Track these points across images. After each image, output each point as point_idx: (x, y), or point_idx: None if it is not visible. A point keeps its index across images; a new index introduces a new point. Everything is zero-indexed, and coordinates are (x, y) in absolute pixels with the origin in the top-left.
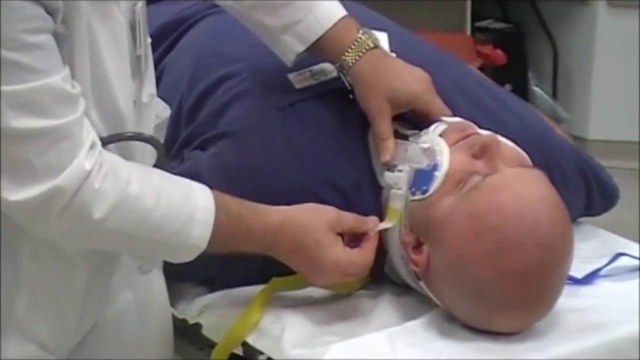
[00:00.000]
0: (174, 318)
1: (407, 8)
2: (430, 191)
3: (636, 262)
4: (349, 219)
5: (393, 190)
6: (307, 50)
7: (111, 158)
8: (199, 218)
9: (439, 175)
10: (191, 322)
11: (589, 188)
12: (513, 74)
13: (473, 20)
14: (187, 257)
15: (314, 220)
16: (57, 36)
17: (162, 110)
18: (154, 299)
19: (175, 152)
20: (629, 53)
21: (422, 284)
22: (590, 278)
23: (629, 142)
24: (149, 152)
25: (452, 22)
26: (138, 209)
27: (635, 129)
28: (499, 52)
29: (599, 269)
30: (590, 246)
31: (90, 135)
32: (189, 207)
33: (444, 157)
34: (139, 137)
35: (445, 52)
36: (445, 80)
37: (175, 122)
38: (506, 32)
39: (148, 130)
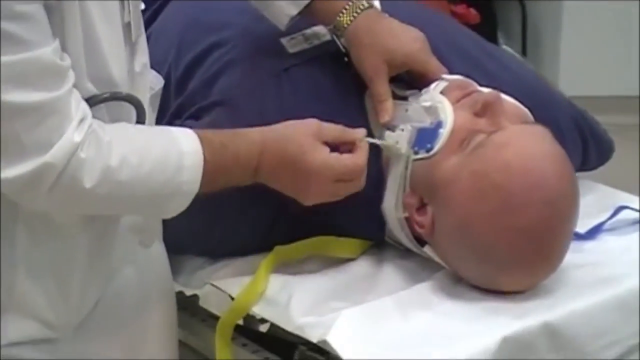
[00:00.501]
0: None
1: None
2: (435, 149)
3: (637, 215)
4: (333, 127)
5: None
6: (300, 13)
7: (94, 123)
8: (187, 163)
9: (444, 132)
10: (188, 294)
11: (585, 142)
12: (482, 33)
13: None
14: (182, 204)
15: (295, 129)
16: (47, 6)
17: (154, 81)
18: (156, 272)
19: (167, 122)
20: (597, 10)
21: (426, 248)
22: (593, 233)
23: (599, 97)
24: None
25: None
26: (126, 169)
27: (603, 84)
28: (472, 11)
29: (601, 223)
30: (590, 201)
31: (80, 108)
32: (175, 155)
33: (448, 114)
34: (116, 97)
35: (434, 11)
36: (439, 39)
37: (163, 93)
38: None
39: (143, 100)
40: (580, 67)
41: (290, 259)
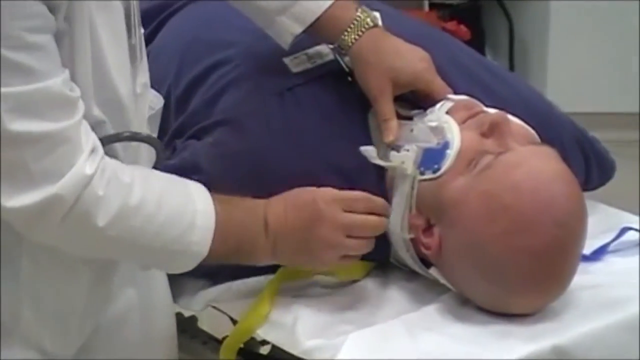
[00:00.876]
0: None
1: None
2: (443, 169)
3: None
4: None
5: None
6: (304, 31)
7: (112, 162)
8: (200, 222)
9: (451, 153)
10: (187, 315)
11: (588, 162)
12: None
13: None
14: (188, 264)
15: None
16: (58, 33)
17: (154, 101)
18: (157, 295)
19: (167, 142)
20: (583, 25)
21: (432, 270)
22: (598, 254)
23: (586, 113)
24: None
25: None
26: (141, 215)
27: (590, 101)
28: (463, 27)
29: (606, 244)
30: (592, 221)
31: (90, 139)
32: (190, 212)
33: (455, 134)
34: (136, 137)
35: (436, 30)
36: (443, 58)
37: (164, 112)
38: (462, 7)
39: (142, 120)
40: (568, 82)
41: (295, 280)
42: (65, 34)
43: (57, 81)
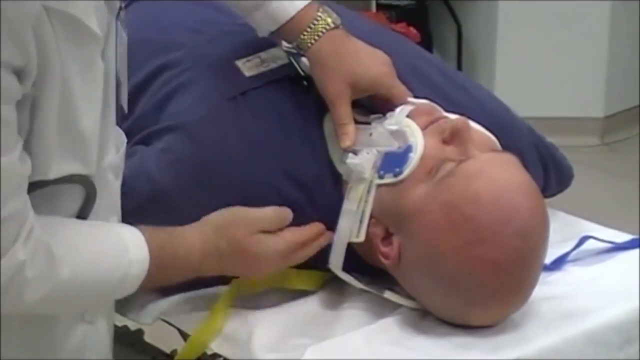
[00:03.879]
0: (114, 326)
1: None
2: (405, 173)
3: (602, 244)
4: (266, 215)
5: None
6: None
7: (45, 237)
8: (134, 272)
9: (414, 156)
10: (133, 328)
11: (546, 169)
12: None
13: None
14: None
15: (230, 228)
16: (22, 97)
17: (119, 138)
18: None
19: None
20: (532, 28)
21: (387, 294)
22: (558, 264)
23: (533, 117)
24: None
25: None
26: (72, 286)
27: (538, 105)
28: (412, 30)
29: (566, 254)
30: (552, 229)
31: (29, 218)
32: (124, 266)
33: (418, 138)
34: (70, 180)
35: (394, 33)
36: (400, 63)
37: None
38: (409, 9)
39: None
40: (516, 86)
41: (249, 292)
42: (29, 97)
43: (14, 156)
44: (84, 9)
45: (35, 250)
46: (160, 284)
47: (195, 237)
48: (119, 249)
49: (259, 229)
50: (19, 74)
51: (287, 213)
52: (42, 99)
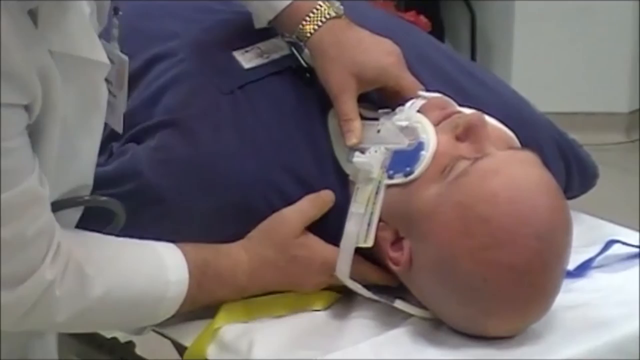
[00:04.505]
0: (102, 338)
1: None
2: (416, 172)
3: (629, 249)
4: (303, 210)
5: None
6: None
7: (78, 254)
8: (170, 294)
9: (427, 154)
10: (123, 340)
11: (569, 167)
12: None
13: None
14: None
15: (275, 234)
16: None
17: None
18: None
19: (102, 145)
20: (552, 19)
21: (398, 303)
22: (582, 270)
23: (553, 113)
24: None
25: None
26: (104, 306)
27: (559, 100)
28: (422, 18)
29: (591, 259)
30: (576, 233)
31: (55, 237)
32: (161, 286)
33: (430, 134)
34: (95, 202)
35: (403, 21)
36: (410, 53)
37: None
38: None
39: None
40: (534, 80)
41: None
42: (30, 127)
43: (34, 177)
44: (89, 45)
45: (65, 268)
46: (203, 304)
47: (241, 253)
48: (157, 268)
49: (302, 225)
50: (28, 109)
51: (324, 196)
52: (43, 133)
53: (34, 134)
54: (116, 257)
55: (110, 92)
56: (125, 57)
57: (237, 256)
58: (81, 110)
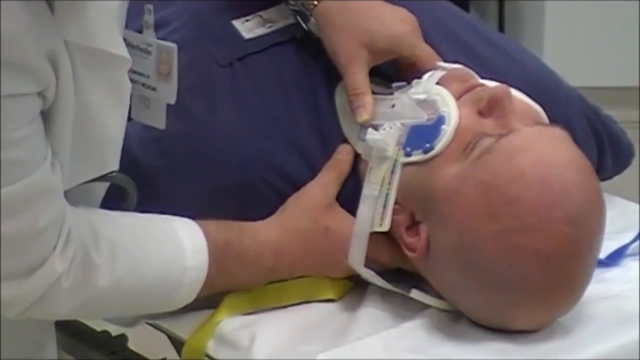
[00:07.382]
0: (93, 332)
1: None
2: (437, 149)
3: None
4: (328, 177)
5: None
6: None
7: (86, 241)
8: (188, 279)
9: (448, 129)
10: (115, 334)
11: (601, 146)
12: None
13: None
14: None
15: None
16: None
17: None
18: None
19: None
20: None
21: (414, 294)
22: (615, 258)
23: (585, 87)
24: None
25: None
26: (114, 294)
27: (594, 73)
28: None
29: (625, 246)
30: (609, 218)
31: (66, 225)
32: (177, 271)
33: (451, 107)
34: (108, 179)
35: None
36: (426, 22)
37: None
38: None
39: None
40: (568, 52)
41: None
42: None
43: (46, 165)
44: (108, 38)
45: (73, 257)
46: (225, 289)
47: (268, 231)
48: (173, 254)
49: (331, 196)
50: (43, 93)
51: (341, 157)
52: (56, 119)
53: (47, 120)
54: (129, 242)
55: (145, 85)
56: (172, 45)
57: (265, 234)
58: (105, 102)
